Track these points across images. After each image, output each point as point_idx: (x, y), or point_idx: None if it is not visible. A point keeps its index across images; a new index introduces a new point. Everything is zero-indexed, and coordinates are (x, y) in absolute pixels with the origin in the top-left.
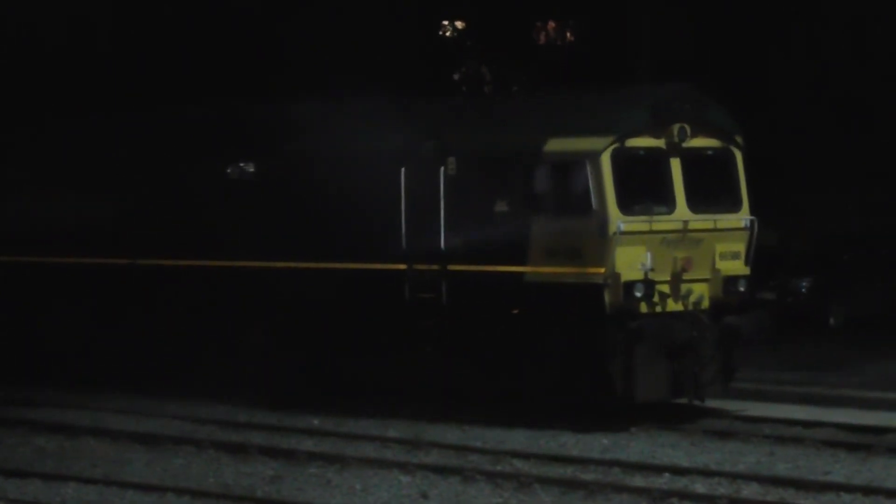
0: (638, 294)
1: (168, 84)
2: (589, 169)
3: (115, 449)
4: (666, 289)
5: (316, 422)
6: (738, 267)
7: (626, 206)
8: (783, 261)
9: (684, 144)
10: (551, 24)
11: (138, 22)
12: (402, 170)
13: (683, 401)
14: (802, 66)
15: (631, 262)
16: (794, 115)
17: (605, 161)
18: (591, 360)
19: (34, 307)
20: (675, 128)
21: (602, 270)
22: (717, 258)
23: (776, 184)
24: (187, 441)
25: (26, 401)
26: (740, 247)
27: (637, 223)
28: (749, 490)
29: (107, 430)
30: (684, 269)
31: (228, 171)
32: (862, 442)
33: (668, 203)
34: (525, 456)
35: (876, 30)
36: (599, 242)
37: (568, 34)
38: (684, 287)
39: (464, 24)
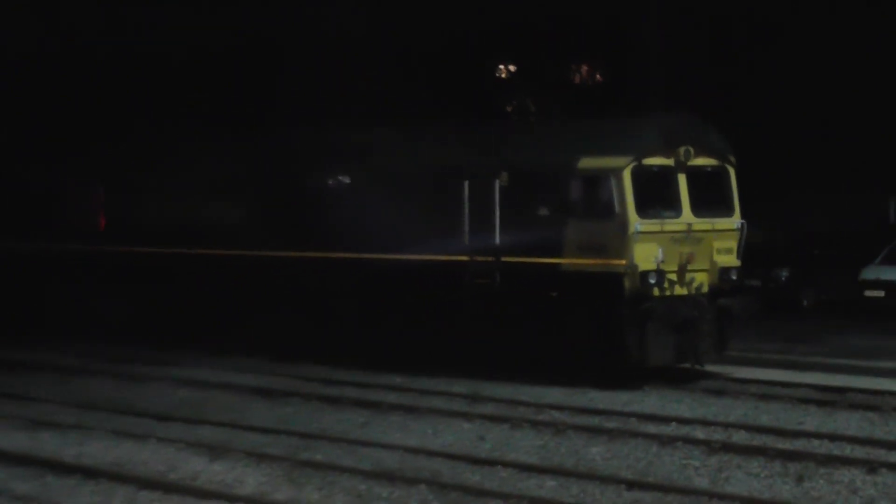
0: (651, 281)
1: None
2: (613, 182)
3: (239, 399)
4: (674, 277)
5: (397, 380)
6: (730, 260)
7: (642, 211)
8: (767, 254)
9: (689, 163)
10: (584, 68)
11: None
12: (466, 182)
13: (686, 365)
14: (789, 97)
15: (646, 255)
16: (778, 135)
17: (626, 176)
18: (613, 333)
19: (181, 289)
20: (682, 150)
21: (623, 262)
22: (714, 253)
23: (762, 193)
24: (296, 394)
25: (172, 362)
26: (733, 244)
27: (651, 225)
28: (738, 436)
29: (233, 385)
30: (688, 262)
31: (329, 182)
32: (828, 399)
33: (676, 209)
34: (561, 408)
35: (844, 59)
36: (621, 240)
37: (598, 75)
38: (688, 275)
39: (515, 67)
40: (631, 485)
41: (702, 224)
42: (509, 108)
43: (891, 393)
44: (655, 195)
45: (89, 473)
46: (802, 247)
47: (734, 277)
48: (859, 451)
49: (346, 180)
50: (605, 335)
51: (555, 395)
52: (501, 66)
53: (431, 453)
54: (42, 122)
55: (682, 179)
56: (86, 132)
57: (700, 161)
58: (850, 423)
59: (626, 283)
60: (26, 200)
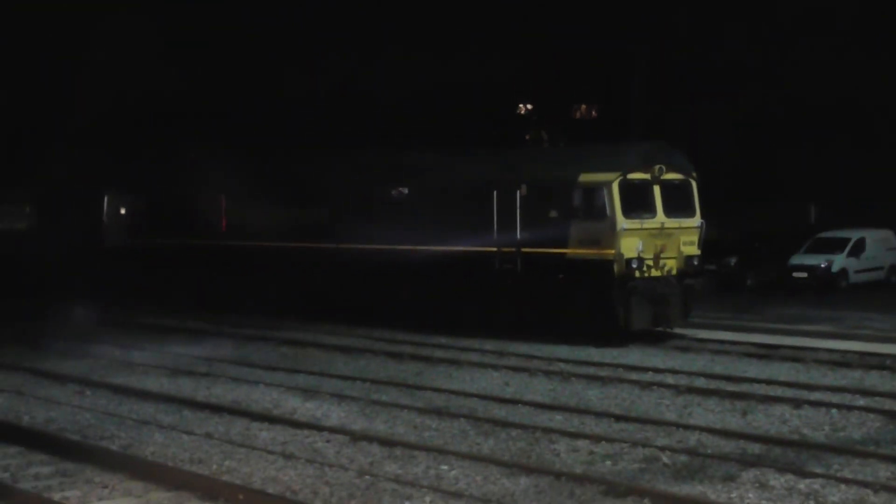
0: (634, 266)
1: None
2: (605, 192)
3: (325, 355)
4: (650, 263)
5: (443, 340)
6: (693, 250)
7: (627, 214)
8: (720, 246)
9: (661, 177)
10: (583, 106)
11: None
12: (494, 192)
13: (660, 329)
14: (738, 127)
15: (630, 247)
16: (731, 158)
17: (615, 187)
18: (606, 305)
19: (280, 272)
20: (656, 167)
21: (613, 252)
22: (681, 245)
23: (717, 200)
24: (368, 350)
25: (276, 326)
26: (695, 238)
27: (634, 224)
28: (699, 382)
29: (321, 343)
30: (661, 251)
31: (392, 192)
32: (765, 353)
33: (652, 212)
34: (566, 361)
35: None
36: (611, 235)
37: (593, 112)
38: (661, 262)
39: (531, 106)
40: (618, 418)
41: (671, 223)
42: (527, 137)
43: (811, 349)
44: (637, 201)
45: (215, 409)
46: (747, 241)
47: (696, 263)
48: (788, 392)
49: (405, 192)
50: (600, 306)
51: (562, 351)
52: (521, 105)
53: (469, 395)
54: (179, 152)
55: (656, 190)
56: (210, 159)
57: (670, 176)
58: (781, 371)
59: (615, 268)
60: (173, 209)
